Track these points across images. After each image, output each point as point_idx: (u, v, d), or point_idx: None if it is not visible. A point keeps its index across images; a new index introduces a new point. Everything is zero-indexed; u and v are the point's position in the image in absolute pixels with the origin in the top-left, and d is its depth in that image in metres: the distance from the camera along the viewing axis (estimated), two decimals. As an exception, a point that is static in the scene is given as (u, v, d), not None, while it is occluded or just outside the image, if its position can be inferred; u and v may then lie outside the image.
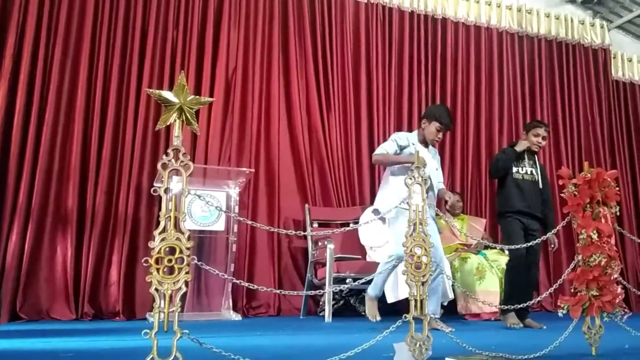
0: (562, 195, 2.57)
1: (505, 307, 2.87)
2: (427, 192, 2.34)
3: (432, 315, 3.42)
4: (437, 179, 3.76)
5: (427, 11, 5.99)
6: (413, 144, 3.64)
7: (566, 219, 2.62)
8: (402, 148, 3.66)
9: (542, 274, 5.83)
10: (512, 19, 6.44)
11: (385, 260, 3.57)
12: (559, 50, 6.64)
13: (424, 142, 3.71)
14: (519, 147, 3.95)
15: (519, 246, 3.17)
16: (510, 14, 6.44)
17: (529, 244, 3.05)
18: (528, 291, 3.87)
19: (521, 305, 3.00)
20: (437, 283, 3.51)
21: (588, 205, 2.47)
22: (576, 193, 2.48)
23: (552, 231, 2.97)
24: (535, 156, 4.07)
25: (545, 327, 3.74)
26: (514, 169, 3.94)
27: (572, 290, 2.44)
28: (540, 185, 3.98)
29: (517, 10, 6.48)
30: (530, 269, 3.90)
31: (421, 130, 3.72)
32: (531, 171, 3.96)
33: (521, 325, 3.77)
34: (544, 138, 4.01)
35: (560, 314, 2.41)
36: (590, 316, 2.38)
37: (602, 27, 6.90)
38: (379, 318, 3.60)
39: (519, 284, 3.84)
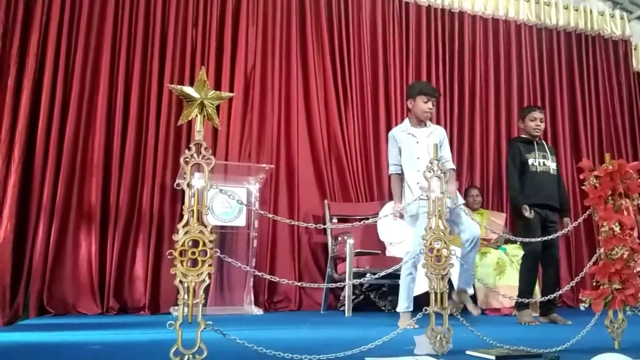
0: (583, 187, 2.56)
1: (527, 300, 2.86)
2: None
3: (465, 289, 3.43)
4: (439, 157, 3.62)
5: (444, 5, 5.95)
6: (403, 131, 3.54)
7: (587, 212, 2.60)
8: (398, 150, 3.55)
9: (563, 269, 5.78)
10: (530, 11, 6.37)
11: (404, 262, 3.34)
12: (578, 42, 6.56)
13: (419, 123, 3.56)
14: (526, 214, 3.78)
15: (536, 239, 3.12)
16: (529, 6, 6.38)
17: (548, 237, 3.03)
18: (550, 286, 3.84)
19: (547, 297, 3.00)
20: (470, 257, 3.43)
21: (610, 198, 2.45)
22: (597, 185, 2.47)
23: (571, 225, 2.93)
24: (544, 142, 4.00)
25: (570, 322, 3.68)
26: (529, 161, 3.87)
27: (594, 284, 2.42)
28: (553, 172, 3.89)
29: (535, 2, 6.41)
30: (550, 263, 3.87)
31: (411, 113, 3.60)
32: (543, 162, 3.89)
33: (537, 323, 3.71)
34: (541, 120, 3.92)
35: (582, 308, 2.40)
36: (612, 310, 2.37)
37: (622, 18, 6.79)
38: (416, 326, 3.17)
39: (532, 279, 3.82)
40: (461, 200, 3.59)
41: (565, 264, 5.82)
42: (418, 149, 3.46)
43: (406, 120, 3.65)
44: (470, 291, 4.29)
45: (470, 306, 3.40)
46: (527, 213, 3.71)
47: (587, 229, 5.85)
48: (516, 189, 3.84)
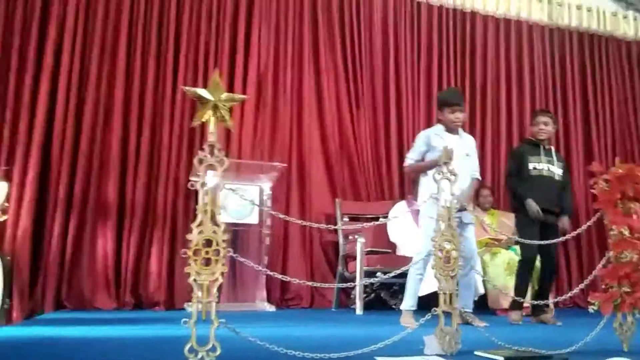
0: (592, 190, 2.57)
1: (536, 302, 2.88)
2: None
3: (464, 309, 3.43)
4: (469, 167, 3.60)
5: (455, 5, 5.96)
6: (437, 134, 3.56)
7: (597, 215, 2.62)
8: (426, 150, 3.58)
9: (574, 271, 5.79)
10: (542, 12, 6.35)
11: (414, 260, 3.44)
12: (590, 43, 6.51)
13: (450, 131, 3.60)
14: (531, 211, 3.76)
15: (532, 241, 3.16)
16: (540, 6, 6.35)
17: (546, 242, 3.05)
18: (543, 289, 3.89)
19: (550, 301, 3.01)
20: (470, 278, 3.51)
21: (619, 201, 2.47)
22: (607, 189, 2.48)
23: (577, 230, 2.92)
24: (553, 149, 3.98)
25: (560, 323, 3.72)
26: (531, 165, 3.85)
27: (604, 287, 2.44)
28: (557, 178, 3.87)
29: (548, 3, 6.38)
30: (547, 268, 3.89)
31: (441, 121, 3.64)
32: (547, 167, 3.87)
33: (519, 323, 3.74)
34: (545, 124, 3.89)
35: (591, 310, 2.42)
36: (622, 313, 2.38)
37: (635, 19, 6.75)
38: (416, 324, 3.34)
39: (525, 283, 3.86)
40: (469, 216, 3.55)
41: (576, 266, 5.82)
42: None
43: (439, 125, 3.68)
44: (481, 291, 4.33)
45: (476, 321, 3.41)
46: (533, 206, 3.71)
47: (598, 231, 5.82)
48: (515, 186, 3.88)
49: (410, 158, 3.64)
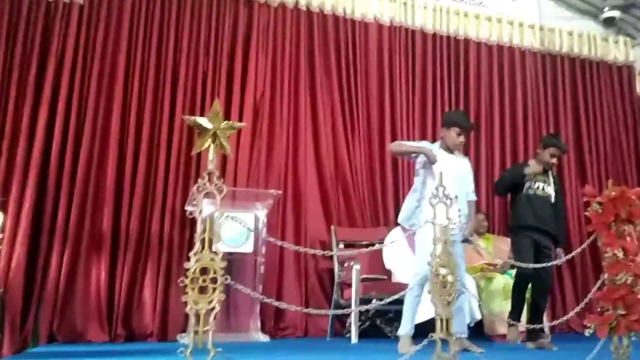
0: (586, 213, 2.60)
1: (531, 326, 2.87)
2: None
3: (460, 335, 3.40)
4: (465, 188, 3.64)
5: (449, 32, 6.06)
6: (433, 150, 3.59)
7: (591, 237, 2.64)
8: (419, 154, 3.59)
9: (569, 294, 5.76)
10: (534, 38, 6.45)
11: (412, 283, 3.43)
12: (581, 68, 6.61)
13: (448, 150, 3.65)
14: (528, 170, 3.88)
15: (528, 265, 3.20)
16: (532, 32, 6.46)
17: (541, 265, 3.07)
18: (538, 313, 3.89)
19: (546, 325, 3.00)
20: (461, 302, 3.49)
21: (613, 224, 2.49)
22: (600, 211, 2.51)
23: (571, 254, 2.95)
24: (549, 171, 4.03)
25: (556, 348, 3.71)
26: (526, 185, 3.91)
27: (599, 310, 2.44)
28: (553, 200, 3.93)
29: (539, 29, 6.50)
30: (541, 291, 3.90)
31: (442, 139, 3.68)
32: (543, 187, 3.92)
33: (518, 342, 3.86)
34: (558, 158, 4.00)
35: (587, 334, 2.42)
36: (617, 336, 2.38)
37: (625, 44, 6.85)
38: (413, 350, 3.32)
39: (521, 300, 3.90)
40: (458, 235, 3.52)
41: (570, 289, 5.80)
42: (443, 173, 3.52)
43: (437, 143, 3.73)
44: (478, 316, 4.30)
45: (473, 347, 3.39)
46: (529, 169, 3.83)
47: (592, 254, 5.82)
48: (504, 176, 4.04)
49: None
